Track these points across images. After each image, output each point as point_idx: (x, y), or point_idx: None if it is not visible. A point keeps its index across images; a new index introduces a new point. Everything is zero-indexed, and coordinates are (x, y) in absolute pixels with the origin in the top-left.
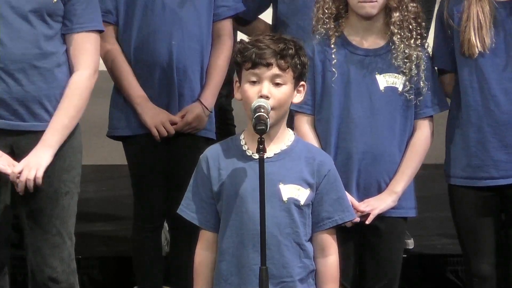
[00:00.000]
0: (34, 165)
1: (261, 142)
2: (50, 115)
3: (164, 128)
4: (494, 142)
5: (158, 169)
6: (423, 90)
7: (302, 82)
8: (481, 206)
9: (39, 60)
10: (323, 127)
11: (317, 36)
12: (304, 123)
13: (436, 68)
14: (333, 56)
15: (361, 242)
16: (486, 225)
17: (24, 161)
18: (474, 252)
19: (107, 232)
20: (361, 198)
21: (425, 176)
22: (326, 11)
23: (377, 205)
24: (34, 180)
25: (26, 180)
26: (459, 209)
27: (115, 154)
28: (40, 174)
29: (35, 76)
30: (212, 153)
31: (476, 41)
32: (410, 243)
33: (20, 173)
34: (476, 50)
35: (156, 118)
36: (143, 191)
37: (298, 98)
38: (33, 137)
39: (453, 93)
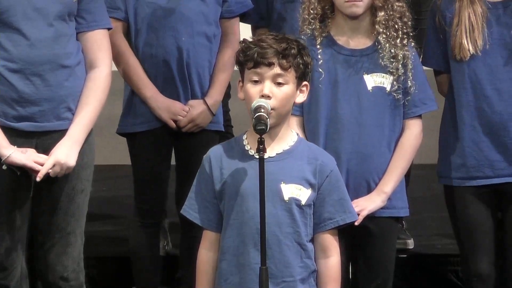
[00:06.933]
0: (65, 165)
1: (261, 142)
2: (72, 113)
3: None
4: (488, 142)
5: (162, 165)
6: (411, 89)
7: (305, 82)
8: (478, 204)
9: (65, 60)
10: (311, 127)
11: (303, 37)
12: (293, 125)
13: (432, 68)
14: (319, 56)
15: (353, 242)
16: (484, 224)
17: (55, 156)
18: (472, 251)
19: (107, 232)
20: (351, 199)
21: (424, 176)
22: (312, 11)
23: (366, 205)
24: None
25: (54, 174)
26: (456, 208)
27: (115, 154)
28: (67, 172)
29: (63, 75)
30: (215, 153)
31: (468, 44)
32: (410, 243)
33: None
34: (468, 53)
35: (170, 110)
36: (145, 187)
37: (301, 98)
38: (56, 136)
39: (447, 93)
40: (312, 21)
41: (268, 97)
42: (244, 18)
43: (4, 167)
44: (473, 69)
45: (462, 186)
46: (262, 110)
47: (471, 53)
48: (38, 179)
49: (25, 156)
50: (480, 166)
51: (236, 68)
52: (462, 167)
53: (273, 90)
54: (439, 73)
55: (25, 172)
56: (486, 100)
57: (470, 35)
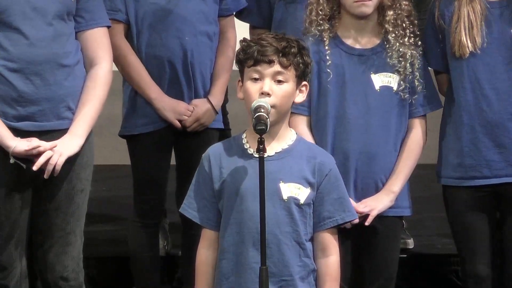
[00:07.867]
0: (58, 151)
1: (261, 142)
2: (72, 112)
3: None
4: (486, 142)
5: (162, 166)
6: (418, 88)
7: (305, 82)
8: (476, 205)
9: (64, 59)
10: (320, 127)
11: (310, 37)
12: (301, 124)
13: (431, 68)
14: (328, 57)
15: (358, 242)
16: (481, 225)
17: (55, 142)
18: (469, 252)
19: (106, 232)
20: (358, 199)
21: (424, 176)
22: (320, 12)
23: (375, 205)
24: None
25: (48, 164)
26: (454, 209)
27: (115, 154)
28: (61, 161)
29: (62, 75)
30: (214, 151)
31: (467, 41)
32: (410, 243)
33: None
34: (467, 50)
35: (175, 110)
36: (145, 188)
37: (300, 97)
38: (57, 135)
39: (446, 93)
40: (321, 22)
41: (267, 94)
42: (242, 16)
43: (11, 160)
44: (472, 68)
45: (460, 186)
46: (262, 110)
47: (470, 50)
48: (38, 167)
49: (30, 144)
50: (478, 166)
51: (235, 68)
52: (460, 167)
53: (273, 87)
54: (438, 73)
55: (31, 163)
56: (485, 99)
57: (469, 33)
